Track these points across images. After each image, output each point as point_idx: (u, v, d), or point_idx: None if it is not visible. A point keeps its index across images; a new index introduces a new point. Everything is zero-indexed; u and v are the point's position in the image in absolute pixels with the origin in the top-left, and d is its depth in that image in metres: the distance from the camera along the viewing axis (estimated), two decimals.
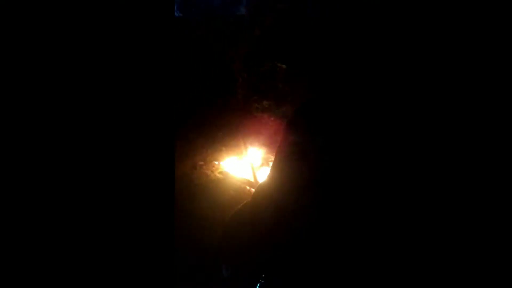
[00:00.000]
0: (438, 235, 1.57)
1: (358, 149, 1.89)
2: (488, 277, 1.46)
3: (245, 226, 2.08)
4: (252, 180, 2.82)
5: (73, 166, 1.11)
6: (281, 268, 1.85)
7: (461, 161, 1.58)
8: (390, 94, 1.93)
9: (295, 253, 1.83)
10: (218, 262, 2.12)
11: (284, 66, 3.25)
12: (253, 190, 2.75)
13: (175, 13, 3.06)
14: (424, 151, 1.71)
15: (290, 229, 1.87)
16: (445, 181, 1.60)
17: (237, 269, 2.02)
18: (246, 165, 2.94)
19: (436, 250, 1.56)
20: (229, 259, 2.07)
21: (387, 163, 1.80)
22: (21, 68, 1.10)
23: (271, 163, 3.02)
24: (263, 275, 1.89)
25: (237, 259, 2.03)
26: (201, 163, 3.04)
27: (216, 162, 3.03)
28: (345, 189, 1.83)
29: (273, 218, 1.95)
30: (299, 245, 1.82)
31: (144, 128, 1.16)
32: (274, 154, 2.50)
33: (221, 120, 3.31)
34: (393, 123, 1.84)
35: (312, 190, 1.91)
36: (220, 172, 2.90)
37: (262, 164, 3.00)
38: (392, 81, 1.95)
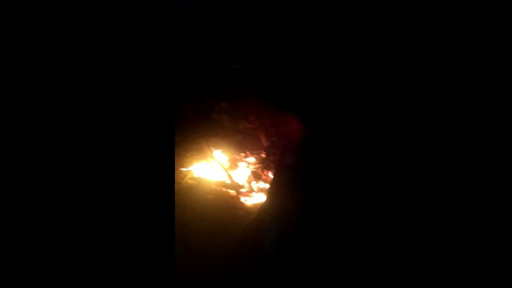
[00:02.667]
0: (438, 237, 1.60)
1: (357, 167, 1.88)
2: (488, 277, 1.48)
3: (251, 250, 2.04)
4: (228, 181, 2.82)
5: (69, 164, 1.09)
6: None
7: (466, 161, 1.60)
8: (386, 99, 1.90)
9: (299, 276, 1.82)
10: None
11: (236, 66, 3.29)
12: (231, 191, 2.76)
13: None
14: (425, 154, 1.70)
15: (292, 253, 1.86)
16: (446, 182, 1.62)
17: None
18: (216, 168, 2.92)
19: (436, 251, 1.59)
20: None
21: (388, 182, 1.78)
22: (21, 68, 1.06)
23: (241, 163, 3.07)
24: None
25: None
26: None
27: (182, 169, 2.95)
28: (347, 210, 1.83)
29: (275, 247, 1.95)
30: (302, 268, 1.82)
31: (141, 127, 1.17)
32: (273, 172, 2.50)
33: (177, 126, 3.21)
34: (393, 132, 1.83)
35: (311, 216, 1.89)
36: (192, 178, 2.83)
37: (231, 166, 3.01)
38: (388, 83, 1.92)
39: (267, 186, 2.77)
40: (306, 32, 3.07)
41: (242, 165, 3.02)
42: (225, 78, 3.24)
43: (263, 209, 2.23)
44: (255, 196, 2.72)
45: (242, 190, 2.76)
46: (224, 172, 2.86)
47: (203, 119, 3.27)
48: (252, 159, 3.05)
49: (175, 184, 2.79)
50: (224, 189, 2.75)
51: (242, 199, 2.68)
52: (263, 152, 3.13)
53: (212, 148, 3.03)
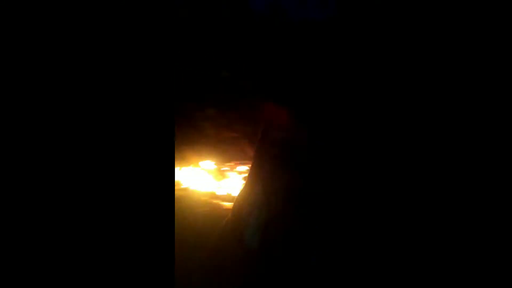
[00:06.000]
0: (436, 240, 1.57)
1: (357, 148, 1.76)
2: (488, 277, 1.46)
3: (231, 247, 1.87)
4: (218, 193, 2.65)
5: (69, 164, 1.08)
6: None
7: (461, 161, 1.58)
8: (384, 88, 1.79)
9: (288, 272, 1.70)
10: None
11: (228, 74, 3.14)
12: (225, 203, 2.59)
13: None
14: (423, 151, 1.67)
15: (281, 247, 1.72)
16: (444, 182, 1.60)
17: None
18: (204, 177, 2.74)
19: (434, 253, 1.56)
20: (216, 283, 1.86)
21: (387, 166, 1.71)
22: (14, 66, 1.04)
23: (231, 174, 2.91)
24: None
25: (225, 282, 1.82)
26: None
27: None
28: (342, 198, 1.73)
29: (260, 238, 1.80)
30: (294, 264, 1.70)
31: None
32: (253, 157, 2.26)
33: None
34: (391, 121, 1.75)
35: (303, 204, 1.75)
36: (179, 189, 2.62)
37: (220, 176, 2.85)
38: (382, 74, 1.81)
39: None
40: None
41: (231, 175, 2.87)
42: (213, 83, 3.09)
43: (240, 198, 1.94)
44: None
45: None
46: (215, 182, 2.70)
47: (185, 124, 3.07)
48: (241, 169, 2.92)
49: None
50: (215, 201, 2.59)
51: None
52: (249, 161, 3.02)
53: (198, 157, 2.84)
